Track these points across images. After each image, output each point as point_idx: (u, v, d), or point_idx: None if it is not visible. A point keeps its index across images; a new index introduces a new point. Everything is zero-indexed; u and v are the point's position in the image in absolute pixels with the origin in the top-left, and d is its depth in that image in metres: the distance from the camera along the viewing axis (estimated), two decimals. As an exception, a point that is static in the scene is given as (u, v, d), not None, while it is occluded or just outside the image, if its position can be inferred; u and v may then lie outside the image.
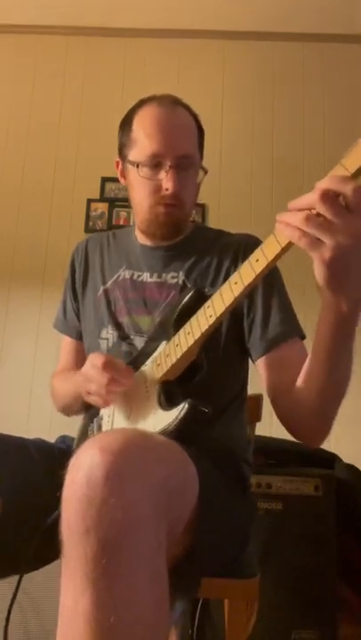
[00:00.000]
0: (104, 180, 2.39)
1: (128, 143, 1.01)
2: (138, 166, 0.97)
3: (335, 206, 0.59)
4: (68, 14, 2.49)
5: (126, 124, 1.02)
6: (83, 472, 0.55)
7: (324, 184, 0.60)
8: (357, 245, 0.61)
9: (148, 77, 2.51)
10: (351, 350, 0.78)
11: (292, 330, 0.95)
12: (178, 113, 0.99)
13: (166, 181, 0.95)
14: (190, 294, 0.91)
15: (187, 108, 1.02)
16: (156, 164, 0.96)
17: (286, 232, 0.64)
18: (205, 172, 1.06)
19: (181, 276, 1.01)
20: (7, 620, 0.81)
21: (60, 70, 2.57)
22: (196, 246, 1.05)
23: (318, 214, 0.61)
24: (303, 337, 0.97)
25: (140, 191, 1.00)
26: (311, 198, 0.60)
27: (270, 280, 0.98)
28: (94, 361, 0.86)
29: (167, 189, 0.95)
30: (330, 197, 0.59)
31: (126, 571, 0.52)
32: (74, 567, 0.53)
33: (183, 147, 0.97)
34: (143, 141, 0.97)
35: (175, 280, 1.01)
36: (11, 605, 0.79)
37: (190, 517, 0.70)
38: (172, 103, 1.00)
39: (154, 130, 0.96)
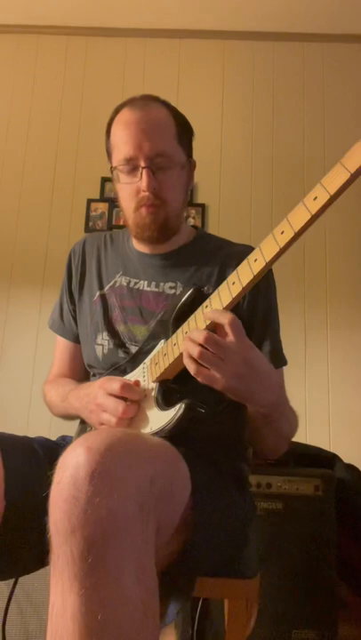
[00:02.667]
0: (104, 180, 2.39)
1: (109, 150, 1.02)
2: (117, 172, 0.98)
3: (217, 345, 0.74)
4: (68, 14, 2.49)
5: (107, 131, 1.02)
6: (68, 472, 0.56)
7: (208, 315, 0.78)
8: (243, 369, 0.75)
9: (148, 77, 2.51)
10: (285, 420, 0.92)
11: (277, 361, 0.98)
12: (149, 112, 0.97)
13: (141, 183, 0.95)
14: (189, 293, 0.91)
15: (164, 103, 1.00)
16: (131, 167, 0.96)
17: (186, 362, 0.77)
18: (194, 164, 1.05)
19: (180, 286, 1.00)
20: (4, 619, 0.81)
21: (60, 70, 2.57)
22: (196, 255, 1.04)
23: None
24: (285, 364, 1.02)
25: (123, 196, 1.00)
26: (202, 337, 0.74)
27: (270, 301, 1.01)
28: (109, 388, 0.87)
29: (143, 191, 0.95)
30: (213, 339, 0.74)
31: (112, 569, 0.52)
32: (61, 566, 0.53)
33: (155, 145, 0.94)
34: (117, 147, 0.98)
35: (173, 291, 1.00)
36: (7, 604, 0.80)
37: (184, 516, 0.70)
38: (144, 103, 0.98)
39: (124, 134, 0.96)
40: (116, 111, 1.00)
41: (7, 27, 2.57)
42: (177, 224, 1.04)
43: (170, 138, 0.97)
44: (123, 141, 0.96)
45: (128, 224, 1.03)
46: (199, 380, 0.77)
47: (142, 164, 0.94)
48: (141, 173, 0.94)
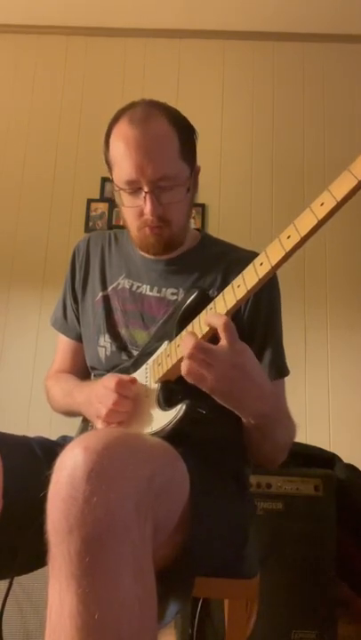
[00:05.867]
0: (104, 180, 2.39)
1: (109, 162, 0.98)
2: (119, 191, 0.96)
3: (205, 352, 0.74)
4: (68, 14, 2.49)
5: (106, 139, 0.98)
6: (66, 471, 0.56)
7: (207, 318, 0.78)
8: (231, 373, 0.75)
9: (148, 77, 2.51)
10: (283, 431, 0.91)
11: (278, 372, 0.97)
12: (150, 127, 0.91)
13: (145, 207, 0.92)
14: (194, 295, 0.91)
15: (164, 113, 0.94)
16: (133, 189, 0.93)
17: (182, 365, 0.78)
18: (198, 170, 1.03)
19: (181, 292, 1.00)
20: (0, 619, 0.81)
21: (60, 70, 2.57)
22: (200, 262, 1.03)
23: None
24: (287, 374, 1.00)
25: (126, 215, 0.99)
26: (191, 343, 0.75)
27: (273, 308, 1.00)
28: (106, 383, 0.89)
29: (147, 215, 0.93)
30: (201, 346, 0.74)
31: (110, 569, 0.52)
32: (59, 566, 0.53)
33: (158, 169, 0.90)
34: (118, 166, 0.94)
35: (175, 297, 1.00)
36: (3, 605, 0.80)
37: (183, 516, 0.70)
38: (143, 116, 0.92)
39: (124, 155, 0.91)
40: (115, 120, 0.95)
41: (7, 27, 2.57)
42: (182, 238, 1.03)
43: (172, 156, 0.92)
44: (123, 160, 0.91)
45: (132, 238, 1.02)
46: (188, 379, 0.77)
47: (145, 188, 0.91)
48: (145, 197, 0.92)
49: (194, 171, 1.00)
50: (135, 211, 0.95)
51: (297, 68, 2.52)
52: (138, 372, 0.95)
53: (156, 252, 1.01)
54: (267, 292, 0.98)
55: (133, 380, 0.90)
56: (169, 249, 1.01)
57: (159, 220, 0.94)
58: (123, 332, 1.02)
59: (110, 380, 0.88)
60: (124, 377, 0.89)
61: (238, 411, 0.82)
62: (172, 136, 0.93)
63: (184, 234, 1.03)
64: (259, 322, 0.98)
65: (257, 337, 0.97)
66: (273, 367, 0.96)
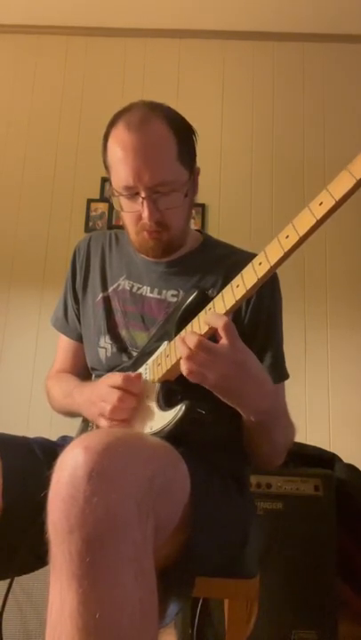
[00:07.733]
0: (104, 180, 2.39)
1: (107, 165, 0.98)
2: (117, 195, 0.95)
3: (207, 350, 0.75)
4: (68, 14, 2.49)
5: (104, 142, 0.96)
6: (67, 471, 0.56)
7: (205, 319, 0.79)
8: (233, 370, 0.76)
9: (148, 77, 2.51)
10: (281, 432, 0.92)
11: (278, 375, 0.97)
12: (147, 133, 0.89)
13: (142, 212, 0.92)
14: (194, 295, 0.91)
15: (163, 116, 0.92)
16: (131, 194, 0.92)
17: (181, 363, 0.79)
18: (198, 172, 1.02)
19: (182, 294, 1.00)
20: (0, 619, 0.81)
21: (60, 70, 2.57)
22: (201, 263, 1.03)
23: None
24: (286, 378, 1.00)
25: (124, 218, 0.99)
26: (193, 342, 0.75)
27: (274, 313, 1.00)
28: (110, 381, 0.88)
29: (145, 220, 0.93)
30: (203, 344, 0.75)
31: (110, 568, 0.53)
32: (60, 566, 0.53)
33: (155, 176, 0.89)
34: (115, 170, 0.93)
35: (175, 299, 1.00)
36: (3, 605, 0.80)
37: (183, 516, 0.70)
38: (141, 120, 0.90)
39: (121, 160, 0.90)
40: (113, 123, 0.94)
41: (7, 27, 2.57)
42: (182, 240, 1.02)
43: (171, 161, 0.91)
44: (121, 166, 0.91)
45: (131, 241, 1.02)
46: (189, 378, 0.78)
47: (142, 194, 0.90)
48: (142, 203, 0.91)
49: (193, 173, 0.99)
50: (133, 215, 0.95)
51: (297, 68, 2.52)
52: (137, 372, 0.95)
53: (155, 255, 1.01)
54: (268, 296, 0.98)
55: (139, 376, 0.89)
56: (168, 252, 1.01)
57: (157, 224, 0.94)
58: (123, 333, 1.01)
59: (116, 377, 0.88)
60: (130, 373, 0.89)
61: (239, 407, 0.82)
62: (169, 140, 0.91)
63: (184, 236, 1.03)
64: (260, 325, 0.97)
65: (257, 340, 0.96)
66: (273, 371, 0.95)
